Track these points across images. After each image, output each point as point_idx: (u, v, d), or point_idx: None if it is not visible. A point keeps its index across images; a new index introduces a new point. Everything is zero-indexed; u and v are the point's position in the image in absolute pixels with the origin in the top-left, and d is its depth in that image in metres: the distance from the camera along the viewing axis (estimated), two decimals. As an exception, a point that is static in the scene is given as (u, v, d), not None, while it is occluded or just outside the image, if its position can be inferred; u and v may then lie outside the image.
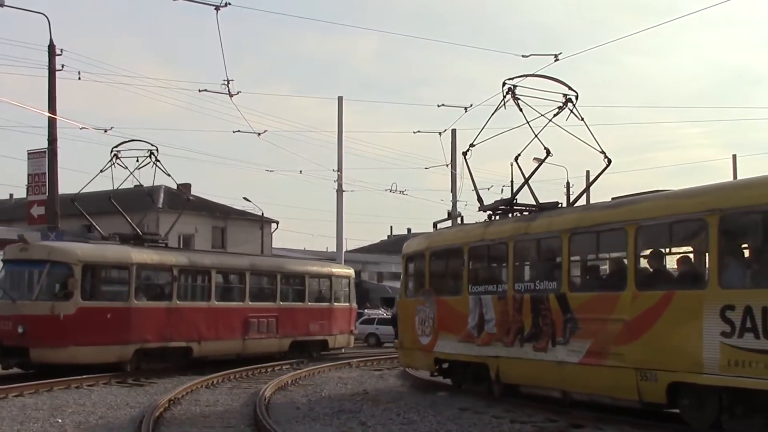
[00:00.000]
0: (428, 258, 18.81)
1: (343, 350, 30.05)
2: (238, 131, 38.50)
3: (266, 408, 14.86)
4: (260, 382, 20.24)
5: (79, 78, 28.45)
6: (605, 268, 14.45)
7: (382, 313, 48.54)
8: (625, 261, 13.22)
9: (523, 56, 23.28)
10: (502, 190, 31.07)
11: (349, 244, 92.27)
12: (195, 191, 74.29)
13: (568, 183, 51.72)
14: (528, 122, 16.74)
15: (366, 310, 47.25)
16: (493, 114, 17.78)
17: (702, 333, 11.34)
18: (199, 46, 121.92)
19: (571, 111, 16.71)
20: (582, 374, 14.01)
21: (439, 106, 30.24)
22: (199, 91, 28.89)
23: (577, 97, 16.86)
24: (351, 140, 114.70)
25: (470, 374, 17.55)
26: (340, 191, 34.60)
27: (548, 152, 16.73)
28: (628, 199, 14.01)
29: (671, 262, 12.86)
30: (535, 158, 18.60)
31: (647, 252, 13.16)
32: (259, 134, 31.34)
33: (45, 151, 28.64)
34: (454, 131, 39.74)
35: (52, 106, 27.63)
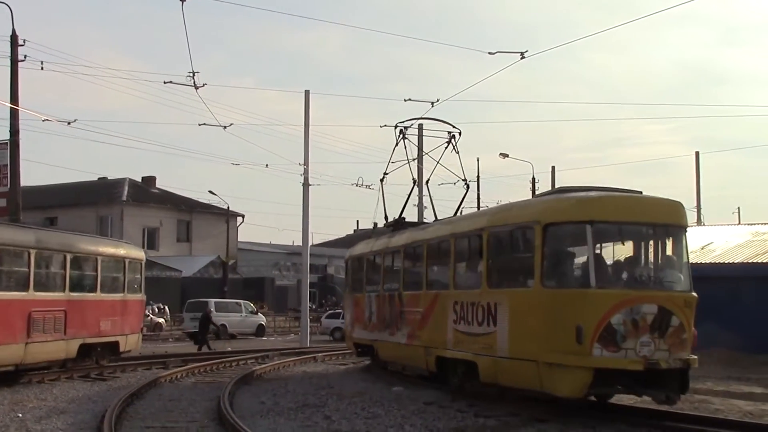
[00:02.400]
0: (350, 263, 23.88)
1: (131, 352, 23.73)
2: (204, 124, 38.19)
3: (230, 402, 14.72)
4: (224, 377, 20.16)
5: (42, 68, 28.26)
6: (422, 272, 18.15)
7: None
8: (422, 267, 17.81)
9: (489, 53, 23.29)
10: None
11: (315, 238, 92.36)
12: (160, 184, 73.84)
13: (533, 178, 53.22)
14: (407, 160, 21.50)
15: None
16: (393, 150, 21.76)
17: (447, 320, 15.86)
18: (164, 38, 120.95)
19: (453, 145, 20.72)
20: (407, 351, 18.42)
21: (405, 100, 30.22)
22: (164, 83, 28.72)
23: (460, 134, 20.86)
24: (317, 134, 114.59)
25: (369, 354, 22.33)
26: (306, 185, 34.19)
27: (466, 183, 21.47)
28: (422, 225, 19.89)
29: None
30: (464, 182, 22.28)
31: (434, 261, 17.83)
32: (225, 127, 31.16)
33: (7, 143, 28.31)
34: (420, 126, 39.96)
35: (14, 98, 27.28)
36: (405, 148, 21.05)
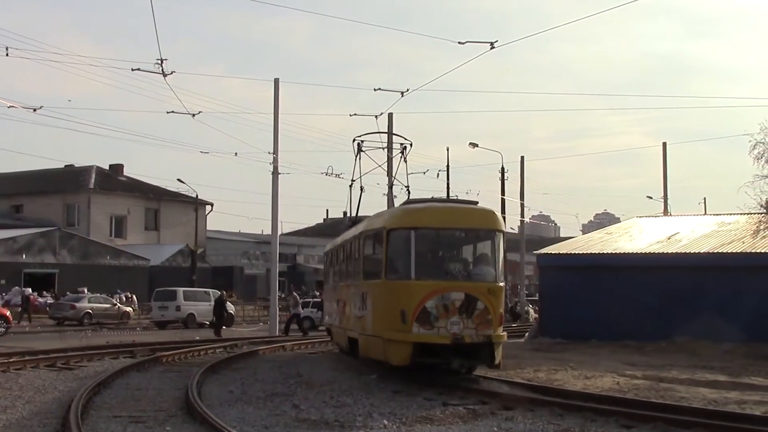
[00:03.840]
0: (325, 257, 27.03)
1: None
2: (172, 112, 37.74)
3: (198, 392, 14.64)
4: (193, 366, 20.02)
5: (7, 54, 27.88)
6: (344, 267, 21.23)
7: (318, 296, 48.58)
8: (344, 263, 20.81)
9: (459, 43, 23.27)
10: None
11: (285, 227, 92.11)
12: (128, 172, 73.08)
13: (503, 168, 52.90)
14: (377, 165, 25.00)
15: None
16: (355, 164, 23.61)
17: (353, 307, 18.70)
18: (133, 25, 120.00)
19: (404, 156, 22.49)
20: (339, 333, 21.43)
21: (375, 89, 30.15)
22: (132, 70, 28.26)
23: (411, 145, 22.74)
24: (287, 122, 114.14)
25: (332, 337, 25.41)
26: (275, 173, 33.70)
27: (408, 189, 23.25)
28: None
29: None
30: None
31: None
32: (194, 115, 30.70)
33: (-29, 130, 28.07)
34: (390, 115, 39.67)
35: (-21, 83, 27.17)
36: (359, 161, 23.45)
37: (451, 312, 15.41)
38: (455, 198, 21.03)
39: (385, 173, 28.45)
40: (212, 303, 41.39)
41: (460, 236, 17.06)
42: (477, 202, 18.05)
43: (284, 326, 34.26)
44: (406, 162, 22.57)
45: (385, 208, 33.84)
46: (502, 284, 16.46)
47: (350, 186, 24.44)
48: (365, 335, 17.79)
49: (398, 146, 22.94)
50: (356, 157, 23.24)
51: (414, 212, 16.73)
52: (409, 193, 23.48)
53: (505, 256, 16.94)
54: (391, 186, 35.83)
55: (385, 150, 26.78)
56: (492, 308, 15.76)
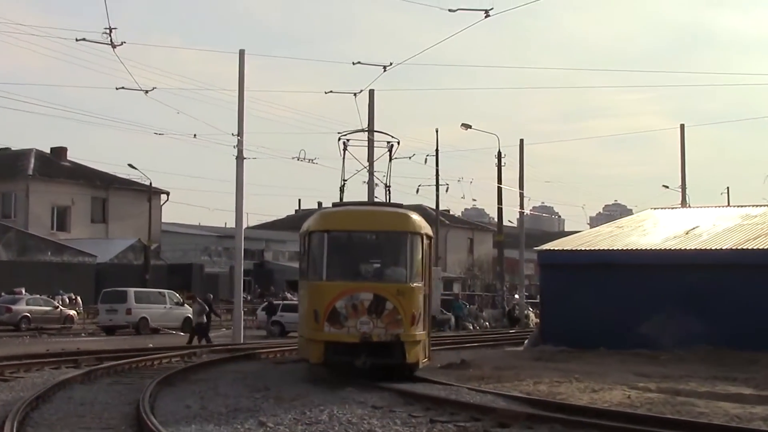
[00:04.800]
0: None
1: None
2: (122, 88, 36.95)
3: (151, 406, 14.46)
4: (146, 377, 19.85)
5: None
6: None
7: (290, 297, 48.29)
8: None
9: (450, 10, 23.10)
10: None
11: (251, 220, 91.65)
12: (72, 156, 72.36)
13: (500, 153, 53.49)
14: (363, 167, 25.83)
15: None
16: (343, 162, 24.36)
17: (306, 305, 19.67)
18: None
19: (390, 154, 23.30)
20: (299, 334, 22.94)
21: (354, 63, 30.02)
22: (77, 40, 28.07)
23: (398, 143, 23.42)
24: (254, 100, 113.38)
25: None
26: (240, 158, 33.79)
27: (387, 186, 23.66)
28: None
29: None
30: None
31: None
32: (147, 92, 30.76)
33: None
34: (371, 92, 39.38)
35: None
36: (344, 160, 24.85)
37: (360, 312, 17.72)
38: (380, 201, 23.36)
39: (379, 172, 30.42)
40: (168, 306, 41.27)
41: (372, 239, 19.68)
42: (402, 205, 21.04)
43: (187, 339, 33.64)
44: (391, 161, 23.81)
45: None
46: (416, 285, 18.50)
47: (341, 188, 25.70)
48: (300, 336, 21.61)
49: (385, 144, 24.14)
50: (343, 156, 24.59)
51: (329, 215, 19.97)
52: (388, 191, 25.43)
53: (426, 258, 19.19)
54: (371, 173, 35.90)
55: (375, 148, 29.29)
56: (402, 308, 17.93)
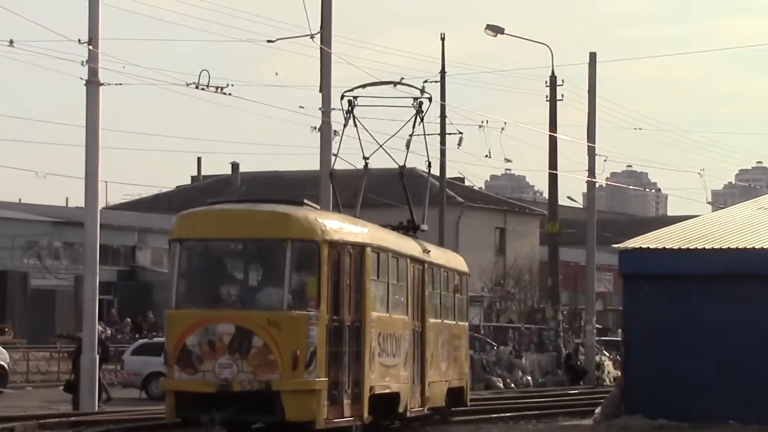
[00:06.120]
0: None
1: None
2: None
3: None
4: None
5: None
6: None
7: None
8: None
9: None
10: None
11: (113, 193, 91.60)
12: None
13: (553, 76, 59.13)
14: (356, 142, 30.69)
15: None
16: (343, 131, 30.13)
17: None
18: None
19: (420, 117, 28.72)
20: None
21: None
22: None
23: (431, 100, 27.72)
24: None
25: None
26: (94, 84, 34.74)
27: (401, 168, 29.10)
28: None
29: None
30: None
31: None
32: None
33: None
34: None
35: None
36: (356, 126, 28.88)
37: (218, 351, 20.70)
38: (272, 199, 25.46)
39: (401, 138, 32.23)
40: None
41: (238, 250, 22.56)
42: (302, 202, 23.04)
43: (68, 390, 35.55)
44: (423, 122, 27.94)
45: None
46: (299, 313, 20.94)
47: (330, 174, 29.85)
48: None
49: (411, 102, 28.55)
50: (346, 121, 29.03)
51: (186, 218, 22.45)
52: (402, 175, 29.80)
53: (323, 272, 21.61)
54: (328, 111, 38.30)
55: (392, 107, 32.76)
56: (276, 345, 20.57)
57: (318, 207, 24.96)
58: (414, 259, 22.21)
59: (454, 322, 28.21)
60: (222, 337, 20.36)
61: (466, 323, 31.92)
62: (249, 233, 21.79)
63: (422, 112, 28.13)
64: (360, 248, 22.06)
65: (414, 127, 28.43)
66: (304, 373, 20.38)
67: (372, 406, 23.08)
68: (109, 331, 50.60)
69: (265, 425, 21.31)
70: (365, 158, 29.02)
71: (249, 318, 20.56)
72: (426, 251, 26.21)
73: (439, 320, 24.63)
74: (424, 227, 30.85)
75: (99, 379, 35.50)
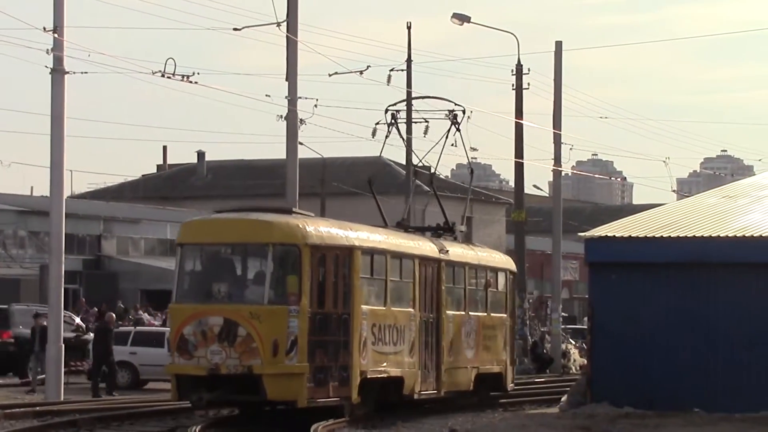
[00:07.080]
0: None
1: None
2: None
3: None
4: None
5: None
6: None
7: (146, 321, 48.15)
8: None
9: None
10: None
11: (78, 182, 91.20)
12: None
13: (519, 64, 57.73)
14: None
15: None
16: (384, 143, 33.38)
17: None
18: None
19: (456, 127, 33.09)
20: None
21: None
22: None
23: (464, 113, 30.64)
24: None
25: None
26: (59, 72, 35.02)
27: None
28: None
29: None
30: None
31: None
32: None
33: None
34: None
35: None
36: (400, 134, 33.04)
37: (209, 339, 24.17)
38: (266, 208, 29.49)
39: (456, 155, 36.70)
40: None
41: (227, 252, 26.60)
42: (290, 210, 27.04)
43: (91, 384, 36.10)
44: (459, 131, 32.24)
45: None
46: (278, 307, 24.54)
47: (369, 182, 34.11)
48: None
49: (446, 113, 32.64)
50: (388, 133, 32.70)
51: (190, 226, 26.87)
52: (471, 172, 34.93)
53: (305, 272, 24.95)
54: (294, 99, 39.31)
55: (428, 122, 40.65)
56: (257, 335, 24.10)
57: (312, 215, 28.27)
58: (425, 258, 25.31)
59: (485, 314, 32.28)
60: (213, 327, 23.96)
61: (505, 315, 35.04)
62: (237, 238, 25.86)
63: (457, 123, 31.86)
64: (348, 250, 25.36)
65: (446, 137, 32.37)
66: (285, 359, 23.74)
67: (368, 390, 26.62)
68: (76, 319, 48.79)
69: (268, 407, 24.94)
70: (416, 167, 33.44)
71: (234, 311, 24.20)
72: (444, 251, 29.69)
73: (462, 312, 28.96)
74: (462, 228, 34.96)
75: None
